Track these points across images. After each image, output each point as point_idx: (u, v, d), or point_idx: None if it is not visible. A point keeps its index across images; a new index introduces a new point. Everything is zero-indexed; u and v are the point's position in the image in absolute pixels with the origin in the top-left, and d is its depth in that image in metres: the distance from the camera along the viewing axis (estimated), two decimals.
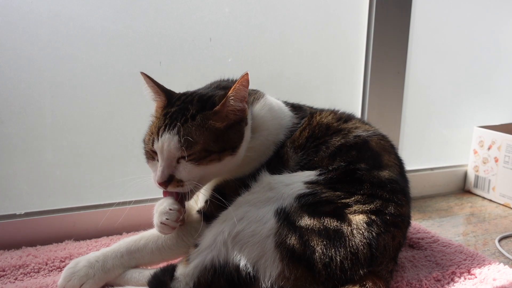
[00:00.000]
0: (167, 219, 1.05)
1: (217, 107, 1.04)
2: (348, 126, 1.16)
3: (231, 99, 1.03)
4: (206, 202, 1.14)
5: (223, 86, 1.16)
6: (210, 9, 1.50)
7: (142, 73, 1.11)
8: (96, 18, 1.38)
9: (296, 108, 1.25)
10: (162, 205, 1.07)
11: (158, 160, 1.04)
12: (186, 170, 1.02)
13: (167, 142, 1.01)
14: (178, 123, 1.01)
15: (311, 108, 1.29)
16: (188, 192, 1.05)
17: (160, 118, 1.06)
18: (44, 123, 1.39)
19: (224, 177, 1.13)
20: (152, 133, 1.06)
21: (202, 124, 1.02)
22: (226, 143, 1.05)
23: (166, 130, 1.02)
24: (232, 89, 1.02)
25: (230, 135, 1.05)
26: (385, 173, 1.07)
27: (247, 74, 1.02)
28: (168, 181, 1.02)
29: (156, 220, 1.08)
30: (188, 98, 1.09)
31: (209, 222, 1.04)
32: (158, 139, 1.02)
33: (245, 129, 1.09)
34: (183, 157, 1.01)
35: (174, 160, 1.02)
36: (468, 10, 1.98)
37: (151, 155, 1.07)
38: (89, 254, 1.12)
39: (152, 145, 1.04)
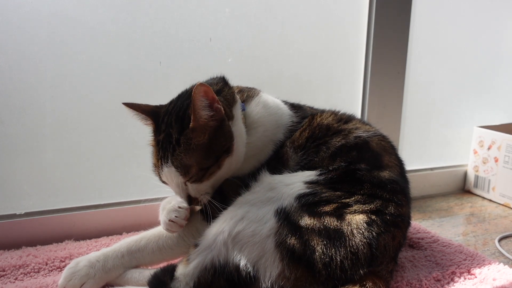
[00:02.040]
0: (176, 216, 1.08)
1: (191, 124, 1.02)
2: (349, 126, 1.16)
3: (197, 114, 1.01)
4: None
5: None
6: (210, 9, 1.50)
7: (124, 104, 1.10)
8: (96, 18, 1.38)
9: (295, 107, 1.25)
10: (171, 203, 1.10)
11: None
12: (194, 190, 1.07)
13: (169, 175, 1.06)
14: (169, 154, 1.04)
15: (311, 108, 1.29)
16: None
17: (155, 147, 1.10)
18: (44, 123, 1.39)
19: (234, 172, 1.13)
20: (155, 166, 1.10)
21: (187, 147, 1.03)
22: (218, 151, 1.05)
23: (163, 164, 1.06)
24: (192, 104, 0.99)
25: (217, 142, 1.05)
26: (385, 174, 1.07)
27: (197, 85, 0.98)
28: (190, 202, 1.09)
29: (164, 218, 1.09)
30: (169, 119, 1.07)
31: (209, 222, 1.05)
32: (161, 173, 1.08)
33: (232, 124, 1.08)
34: (187, 181, 1.06)
35: (182, 184, 1.07)
36: (468, 10, 1.98)
37: (165, 182, 1.12)
38: (90, 254, 1.12)
39: (161, 177, 1.10)
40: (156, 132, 1.10)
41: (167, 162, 1.04)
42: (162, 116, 1.09)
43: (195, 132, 1.03)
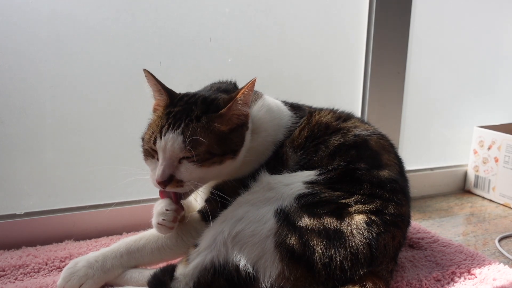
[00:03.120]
0: (163, 219, 1.06)
1: (223, 110, 1.03)
2: (348, 125, 1.16)
3: (239, 103, 1.04)
4: (206, 201, 1.14)
5: (224, 89, 1.16)
6: (210, 9, 1.50)
7: (145, 70, 1.10)
8: (96, 18, 1.38)
9: (295, 107, 1.25)
10: (160, 206, 1.08)
11: (158, 159, 1.03)
12: (187, 171, 1.01)
13: (171, 141, 0.99)
14: (183, 123, 1.01)
15: (310, 107, 1.29)
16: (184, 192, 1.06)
17: (162, 117, 1.05)
18: (44, 123, 1.39)
19: (223, 178, 1.13)
20: (153, 132, 1.03)
21: (207, 126, 1.02)
22: (228, 147, 1.05)
23: (169, 129, 1.01)
24: (240, 93, 1.02)
25: (232, 139, 1.05)
26: (384, 173, 1.07)
27: (255, 79, 1.02)
28: (167, 181, 1.01)
29: (154, 220, 1.08)
30: (191, 99, 1.08)
31: (208, 222, 1.04)
32: (160, 138, 1.01)
33: (246, 133, 1.10)
34: (185, 158, 1.01)
35: (176, 160, 1.01)
36: (468, 10, 1.97)
37: (150, 153, 1.05)
38: (89, 254, 1.12)
39: (154, 144, 1.03)
40: (170, 105, 1.07)
41: (177, 129, 1.00)
42: (180, 96, 1.10)
43: (220, 118, 1.03)
